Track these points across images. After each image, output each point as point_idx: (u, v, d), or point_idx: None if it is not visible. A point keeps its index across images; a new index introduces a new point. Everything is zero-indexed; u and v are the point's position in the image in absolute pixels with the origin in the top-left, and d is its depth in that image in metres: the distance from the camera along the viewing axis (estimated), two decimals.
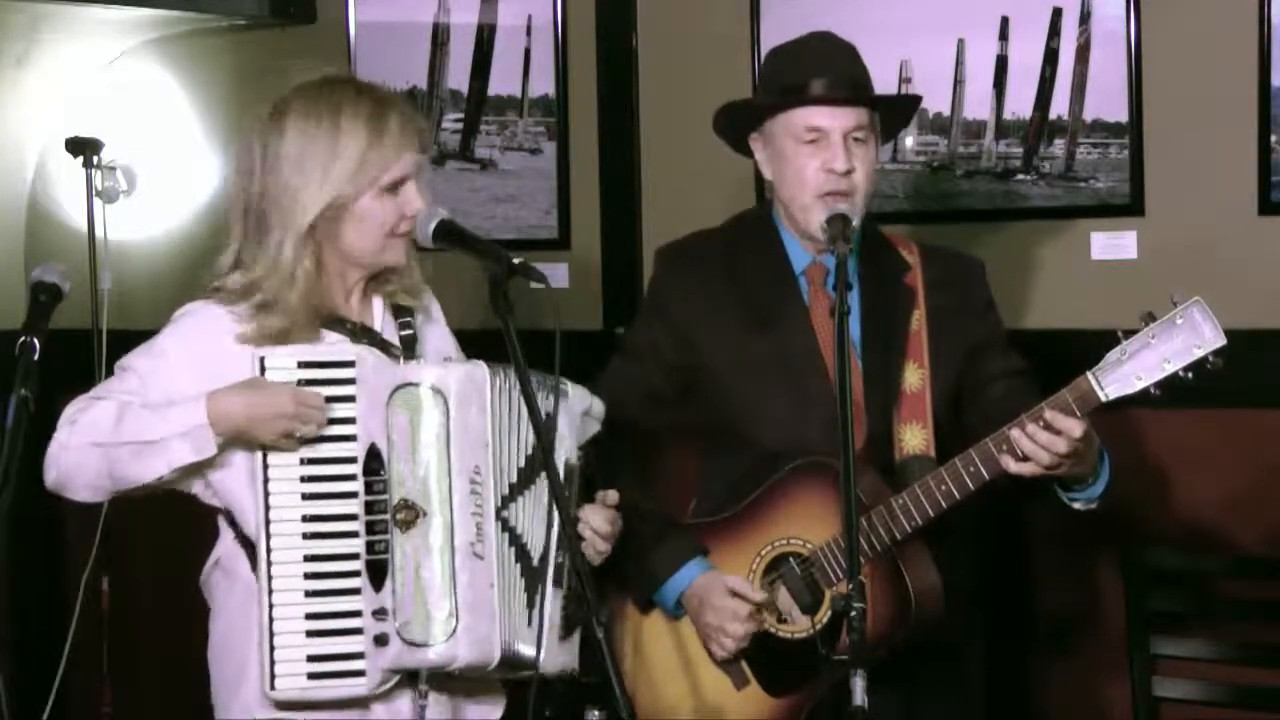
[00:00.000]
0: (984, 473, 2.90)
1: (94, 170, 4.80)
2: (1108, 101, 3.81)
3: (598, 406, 2.85)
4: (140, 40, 4.98)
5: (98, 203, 4.82)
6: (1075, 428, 2.81)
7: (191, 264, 4.88)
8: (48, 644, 4.91)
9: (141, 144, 4.97)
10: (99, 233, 4.82)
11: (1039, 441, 2.83)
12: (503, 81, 4.51)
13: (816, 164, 3.02)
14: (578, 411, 2.78)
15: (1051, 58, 3.86)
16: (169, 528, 3.69)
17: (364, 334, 2.75)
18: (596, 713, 2.59)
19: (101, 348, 4.78)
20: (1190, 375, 2.80)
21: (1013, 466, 2.87)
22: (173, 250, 4.97)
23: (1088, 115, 3.84)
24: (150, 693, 5.04)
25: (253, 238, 2.71)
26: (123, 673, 4.92)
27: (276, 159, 2.70)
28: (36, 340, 2.47)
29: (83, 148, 4.78)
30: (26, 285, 2.62)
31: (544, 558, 2.69)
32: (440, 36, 4.58)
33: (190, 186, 4.95)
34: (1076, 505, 2.99)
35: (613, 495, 2.83)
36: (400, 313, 2.82)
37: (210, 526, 2.80)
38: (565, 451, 2.75)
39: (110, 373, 2.75)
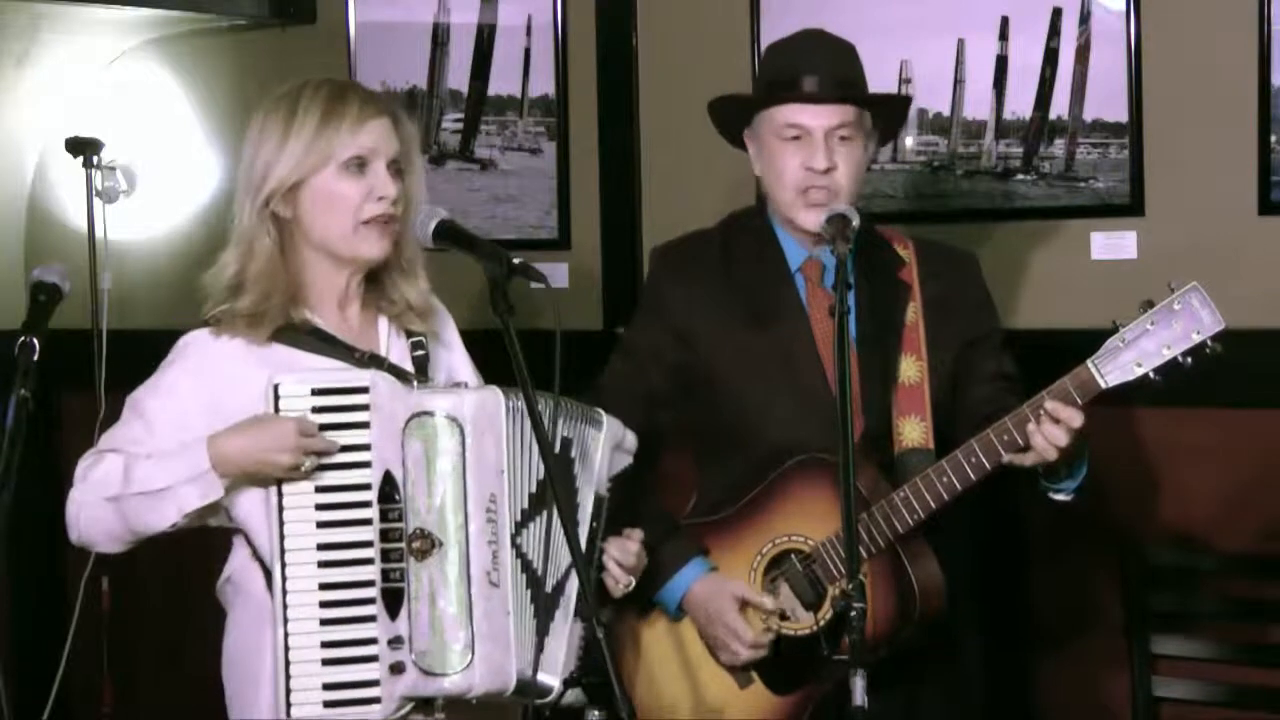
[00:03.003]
0: (986, 464, 2.90)
1: (94, 170, 4.80)
2: (1108, 101, 3.81)
3: (630, 440, 2.84)
4: (140, 40, 4.98)
5: (98, 203, 4.82)
6: (1075, 418, 2.82)
7: (191, 264, 4.85)
8: (48, 644, 4.91)
9: (141, 144, 4.97)
10: (99, 233, 4.82)
11: (1044, 434, 2.83)
12: (503, 81, 4.51)
13: (797, 162, 3.03)
14: (610, 444, 2.78)
15: (1051, 58, 3.86)
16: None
17: (372, 362, 2.73)
18: (596, 713, 2.59)
19: (101, 348, 4.78)
20: (1190, 361, 2.80)
21: (1015, 458, 2.87)
22: (173, 250, 4.97)
23: (1088, 115, 3.84)
24: (150, 693, 5.04)
25: (235, 228, 2.75)
26: (123, 673, 4.91)
27: (244, 151, 2.74)
28: (36, 340, 2.47)
29: (83, 148, 4.78)
30: (26, 285, 2.62)
31: (561, 585, 2.69)
32: (440, 36, 4.58)
33: (190, 186, 4.95)
34: (1059, 497, 2.98)
35: (638, 532, 2.84)
36: (411, 334, 2.81)
37: (213, 528, 2.80)
38: (595, 483, 2.75)
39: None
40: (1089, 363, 2.84)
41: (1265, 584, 3.61)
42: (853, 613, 2.48)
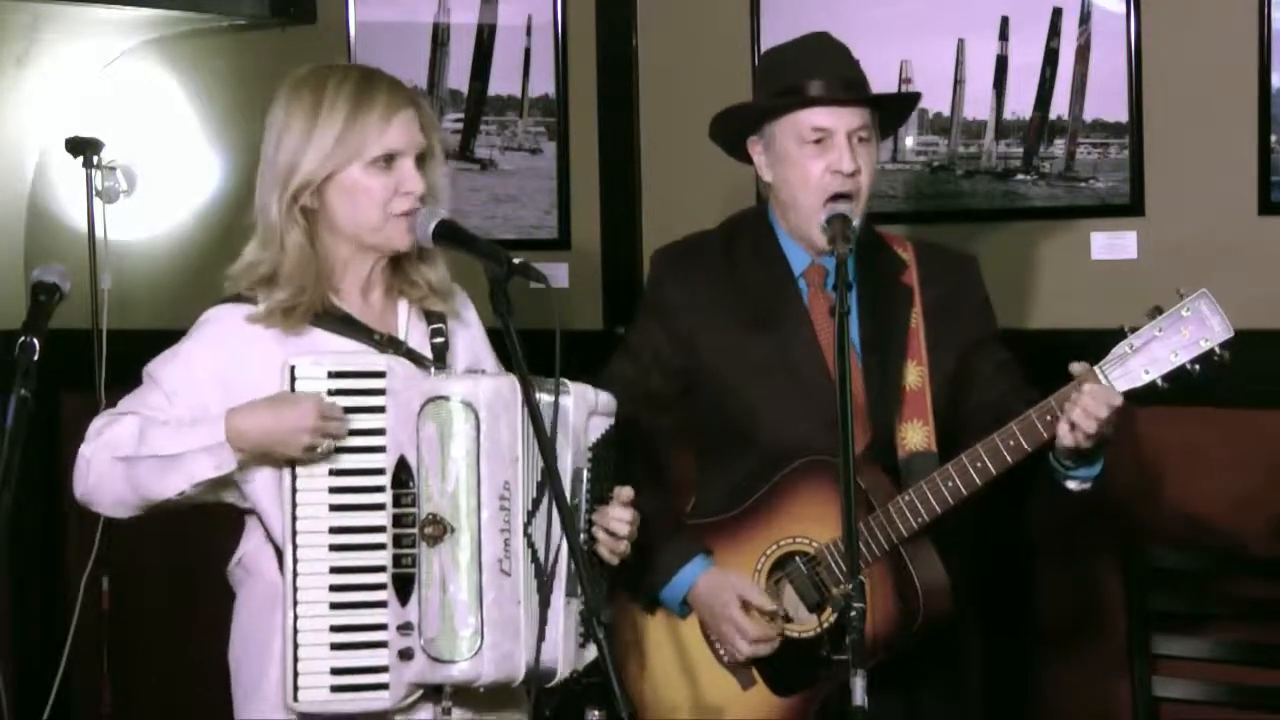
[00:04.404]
0: (991, 469, 2.90)
1: (94, 170, 4.80)
2: (1108, 101, 3.81)
3: (604, 400, 2.79)
4: (140, 40, 4.98)
5: (98, 203, 4.83)
6: (1114, 396, 2.78)
7: (191, 264, 4.92)
8: (48, 644, 4.91)
9: (141, 144, 4.97)
10: (99, 233, 4.83)
11: (1083, 405, 2.78)
12: (503, 81, 4.51)
13: (822, 166, 3.02)
14: (582, 412, 2.74)
15: (1051, 58, 3.86)
16: (170, 527, 3.69)
17: (390, 345, 2.73)
18: (596, 713, 2.59)
19: (101, 348, 4.78)
20: (1198, 368, 2.80)
21: (1058, 432, 2.82)
22: (173, 250, 4.97)
23: (1088, 115, 3.84)
24: (150, 693, 5.04)
25: (259, 219, 2.72)
26: (123, 673, 4.92)
27: (267, 139, 2.72)
28: (36, 340, 2.47)
29: (83, 148, 4.78)
30: (26, 285, 2.62)
31: (555, 567, 2.67)
32: (440, 36, 4.58)
33: (190, 186, 4.95)
34: (1072, 485, 2.96)
35: (627, 492, 2.79)
36: (431, 318, 2.80)
37: (214, 526, 2.80)
38: (570, 457, 2.72)
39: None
40: (1097, 368, 2.84)
41: (1266, 584, 3.61)
42: (852, 613, 2.49)
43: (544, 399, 2.60)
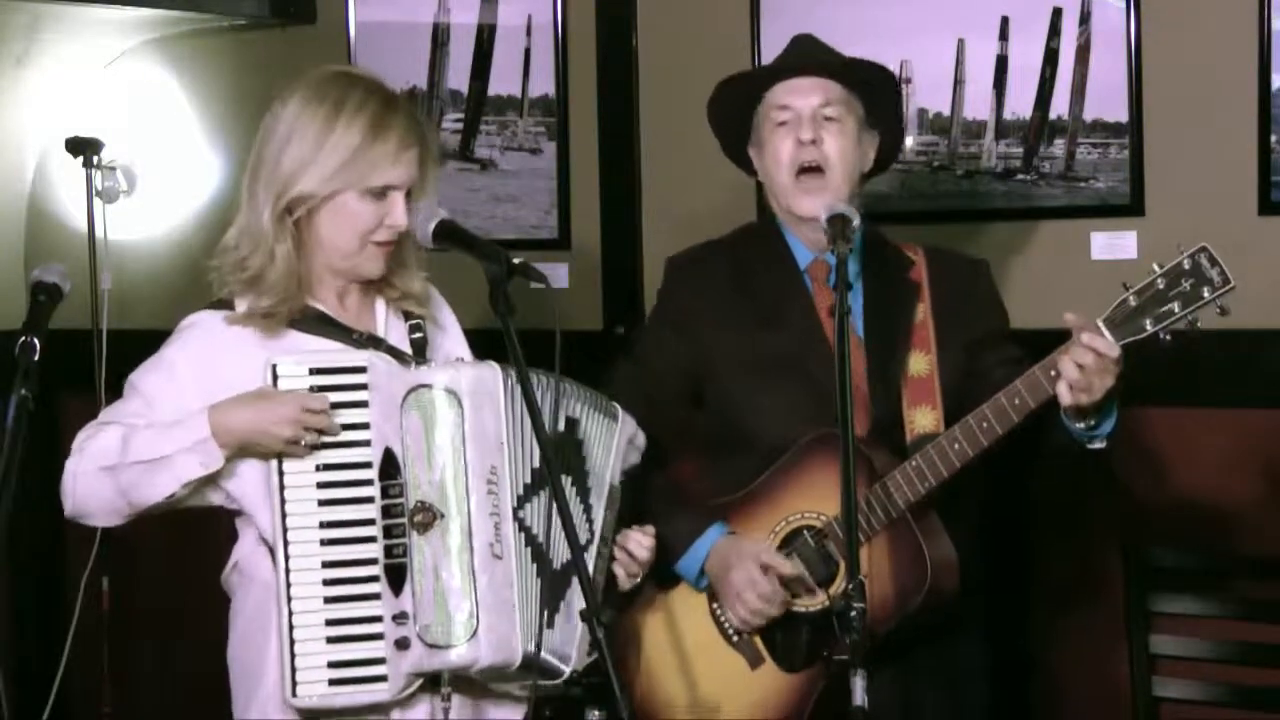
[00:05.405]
0: (997, 428, 2.90)
1: (94, 170, 4.80)
2: (1108, 101, 3.81)
3: (641, 438, 2.88)
4: (140, 40, 4.99)
5: (98, 203, 4.82)
6: (1111, 348, 2.78)
7: (191, 264, 4.88)
8: (48, 644, 4.91)
9: (141, 144, 4.97)
10: (99, 233, 4.82)
11: (1077, 358, 2.78)
12: (503, 81, 4.51)
13: (789, 143, 3.08)
14: (625, 437, 2.82)
15: (1051, 58, 3.86)
16: (169, 528, 3.69)
17: (370, 343, 2.73)
18: (596, 713, 2.59)
19: (101, 348, 4.78)
20: (1198, 322, 2.78)
21: (1060, 389, 2.81)
22: (173, 250, 4.97)
23: (1088, 115, 3.84)
24: (150, 693, 5.04)
25: (246, 213, 2.72)
26: (123, 673, 4.92)
27: (272, 133, 2.71)
28: (36, 340, 2.47)
29: (83, 148, 4.78)
30: (26, 285, 2.63)
31: (569, 563, 2.68)
32: (440, 36, 4.58)
33: (190, 186, 4.95)
34: (1094, 446, 2.92)
35: (650, 528, 2.86)
36: (408, 316, 2.82)
37: (213, 528, 2.81)
38: (610, 471, 2.78)
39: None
40: (1099, 321, 2.83)
41: (1266, 584, 3.61)
42: (852, 613, 2.49)
43: (582, 410, 2.72)
